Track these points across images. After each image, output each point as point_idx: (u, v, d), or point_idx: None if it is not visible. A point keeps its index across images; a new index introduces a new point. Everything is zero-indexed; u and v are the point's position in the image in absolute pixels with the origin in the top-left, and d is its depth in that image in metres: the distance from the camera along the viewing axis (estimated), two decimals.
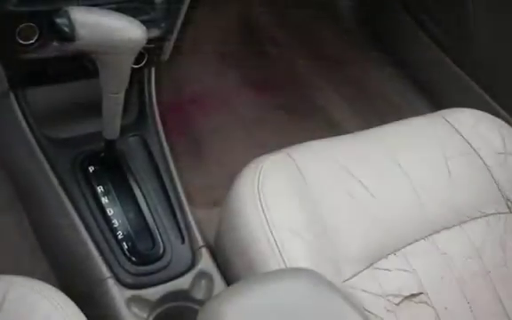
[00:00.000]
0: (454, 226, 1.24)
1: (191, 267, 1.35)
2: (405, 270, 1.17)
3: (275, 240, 1.13)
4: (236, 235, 1.20)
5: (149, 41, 1.21)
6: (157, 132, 1.50)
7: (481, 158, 1.33)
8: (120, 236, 1.34)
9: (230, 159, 1.91)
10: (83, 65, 1.34)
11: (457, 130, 1.36)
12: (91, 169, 1.40)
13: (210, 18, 2.27)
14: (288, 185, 1.21)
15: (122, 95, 1.22)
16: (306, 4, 2.46)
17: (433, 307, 1.15)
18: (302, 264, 1.11)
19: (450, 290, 1.18)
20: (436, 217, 1.23)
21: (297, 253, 1.13)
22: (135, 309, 1.28)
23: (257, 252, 1.15)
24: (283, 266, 1.11)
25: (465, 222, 1.25)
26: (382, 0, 2.35)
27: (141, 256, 1.33)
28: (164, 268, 1.33)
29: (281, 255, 1.12)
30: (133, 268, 1.31)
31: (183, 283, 1.33)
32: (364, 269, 1.16)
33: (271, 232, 1.14)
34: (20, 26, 1.24)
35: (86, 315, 1.04)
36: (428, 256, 1.20)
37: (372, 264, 1.16)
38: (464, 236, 1.23)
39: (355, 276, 1.15)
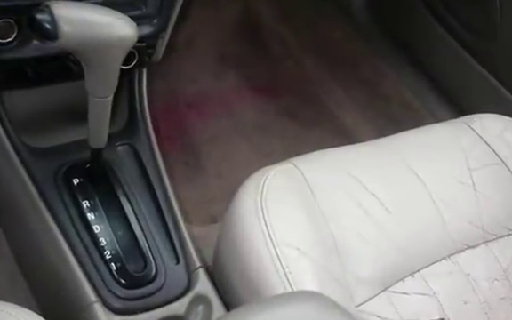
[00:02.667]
0: (479, 244, 1.24)
1: (187, 290, 1.35)
2: (424, 294, 1.17)
3: (279, 260, 1.13)
4: (236, 254, 1.19)
5: (140, 39, 1.21)
6: (149, 141, 1.50)
7: (508, 169, 1.32)
8: (108, 256, 1.33)
9: (230, 170, 1.92)
10: (66, 66, 1.34)
11: (482, 137, 1.36)
12: (75, 181, 1.39)
13: (208, 13, 2.28)
14: (294, 199, 1.20)
15: (110, 99, 1.22)
16: None
17: None
18: (310, 287, 1.11)
19: (474, 315, 1.17)
20: (458, 234, 1.23)
21: (304, 274, 1.13)
22: None
23: (260, 273, 1.14)
24: (288, 289, 1.11)
25: (491, 240, 1.25)
26: None
27: (131, 278, 1.33)
28: (157, 291, 1.33)
29: (286, 277, 1.12)
30: (123, 292, 1.31)
31: (178, 308, 1.33)
32: (378, 293, 1.15)
33: (275, 251, 1.13)
34: None
35: None
36: (450, 278, 1.19)
37: (387, 287, 1.16)
38: (490, 255, 1.23)
39: (368, 300, 1.14)
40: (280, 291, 1.11)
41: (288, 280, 1.11)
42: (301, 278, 1.12)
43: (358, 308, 1.13)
